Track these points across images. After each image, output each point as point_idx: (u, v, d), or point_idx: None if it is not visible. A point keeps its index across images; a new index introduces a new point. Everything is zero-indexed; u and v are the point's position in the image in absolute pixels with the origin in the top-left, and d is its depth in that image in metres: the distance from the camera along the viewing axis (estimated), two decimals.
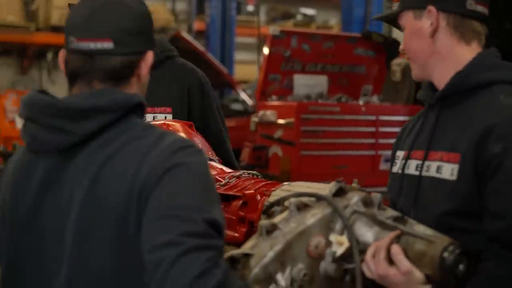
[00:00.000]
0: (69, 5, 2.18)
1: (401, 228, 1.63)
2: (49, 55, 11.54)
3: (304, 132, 6.62)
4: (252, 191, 1.95)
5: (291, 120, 6.63)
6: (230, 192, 2.01)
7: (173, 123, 2.47)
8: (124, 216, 1.48)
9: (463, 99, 1.89)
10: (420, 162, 1.93)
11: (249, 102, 9.60)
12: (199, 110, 3.08)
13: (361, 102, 7.22)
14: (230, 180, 2.08)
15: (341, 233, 1.66)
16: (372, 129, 6.90)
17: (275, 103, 7.07)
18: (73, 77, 1.61)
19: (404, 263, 1.59)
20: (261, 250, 1.59)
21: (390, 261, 1.61)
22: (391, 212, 1.70)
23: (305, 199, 1.70)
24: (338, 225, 1.67)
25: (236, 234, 1.93)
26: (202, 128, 2.75)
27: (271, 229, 1.62)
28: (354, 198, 1.69)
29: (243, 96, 9.96)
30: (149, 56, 1.65)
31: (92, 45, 1.57)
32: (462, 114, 1.87)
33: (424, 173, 1.90)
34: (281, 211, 1.73)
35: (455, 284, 1.56)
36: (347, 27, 9.41)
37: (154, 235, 1.43)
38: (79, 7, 1.62)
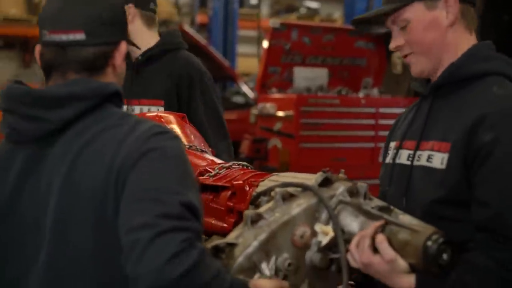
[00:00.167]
0: None
1: (386, 218, 1.63)
2: None
3: (303, 124, 6.63)
4: (240, 181, 1.94)
5: (291, 112, 6.64)
6: (219, 183, 2.00)
7: (166, 115, 2.48)
8: (102, 201, 1.49)
9: (456, 89, 1.88)
10: (411, 152, 1.92)
11: (251, 95, 9.60)
12: (186, 103, 3.13)
13: (361, 95, 7.22)
14: (220, 171, 2.08)
15: (327, 223, 1.67)
16: (372, 121, 6.91)
17: (275, 95, 7.07)
18: (48, 70, 1.63)
19: (388, 251, 1.60)
20: (245, 240, 1.60)
21: (375, 250, 1.61)
22: (377, 202, 1.70)
23: (291, 189, 1.71)
24: (324, 215, 1.67)
25: (225, 225, 1.92)
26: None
27: (256, 219, 1.63)
28: (340, 188, 1.70)
29: (245, 89, 9.96)
30: (123, 46, 1.66)
31: (64, 37, 1.59)
32: (455, 104, 1.86)
33: (415, 163, 1.90)
34: (268, 201, 1.74)
35: (439, 272, 1.56)
36: (349, 20, 9.38)
37: (130, 218, 1.44)
38: (52, 0, 1.64)
